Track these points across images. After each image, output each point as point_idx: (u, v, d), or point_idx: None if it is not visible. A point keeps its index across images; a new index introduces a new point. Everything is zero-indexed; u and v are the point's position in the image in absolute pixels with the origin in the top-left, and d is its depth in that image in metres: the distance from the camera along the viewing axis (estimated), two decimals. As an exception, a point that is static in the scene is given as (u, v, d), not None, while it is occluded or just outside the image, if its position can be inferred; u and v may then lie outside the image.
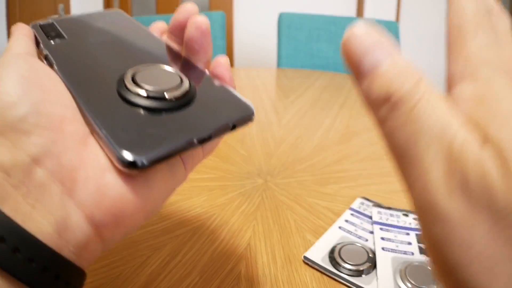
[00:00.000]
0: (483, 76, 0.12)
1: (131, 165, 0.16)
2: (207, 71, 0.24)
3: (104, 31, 0.27)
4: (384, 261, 0.33)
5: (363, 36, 0.13)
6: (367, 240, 0.36)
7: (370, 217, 0.39)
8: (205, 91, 0.22)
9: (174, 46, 0.25)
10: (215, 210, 0.41)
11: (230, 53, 2.24)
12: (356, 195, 0.45)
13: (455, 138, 0.11)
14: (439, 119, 0.12)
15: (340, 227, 0.38)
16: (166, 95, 0.20)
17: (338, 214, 0.41)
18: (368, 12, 2.16)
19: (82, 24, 0.28)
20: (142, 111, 0.19)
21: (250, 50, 2.25)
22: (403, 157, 0.12)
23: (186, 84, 0.21)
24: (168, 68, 0.22)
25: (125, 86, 0.20)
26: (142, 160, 0.16)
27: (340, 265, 0.32)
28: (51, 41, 0.24)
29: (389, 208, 0.41)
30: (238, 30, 2.23)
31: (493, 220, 0.10)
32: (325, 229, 0.38)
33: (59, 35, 0.25)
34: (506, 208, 0.10)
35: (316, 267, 0.32)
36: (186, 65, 0.24)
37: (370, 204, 0.42)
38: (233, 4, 2.18)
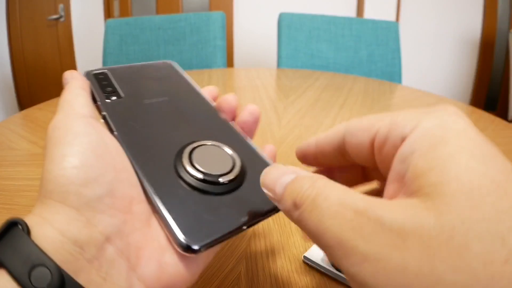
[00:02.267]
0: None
1: (188, 249, 0.18)
2: (254, 146, 0.26)
3: (158, 91, 0.27)
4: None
5: (272, 171, 0.18)
6: None
7: None
8: (254, 171, 0.23)
9: (224, 113, 0.28)
10: (215, 210, 0.41)
11: (230, 53, 2.24)
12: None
13: (356, 203, 0.14)
14: (337, 197, 0.14)
15: None
16: (221, 180, 0.21)
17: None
18: (368, 12, 2.16)
19: (135, 78, 0.28)
20: (198, 194, 0.20)
21: (250, 50, 2.25)
22: (317, 237, 0.14)
23: (238, 166, 0.22)
24: (222, 148, 0.24)
25: (183, 167, 0.21)
26: (198, 246, 0.18)
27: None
28: (108, 100, 0.25)
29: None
30: (238, 30, 2.23)
31: (422, 241, 0.12)
32: (325, 229, 0.38)
33: (114, 91, 0.25)
34: (439, 227, 0.12)
35: (316, 267, 0.32)
36: (236, 139, 0.26)
37: None
38: (233, 4, 2.18)
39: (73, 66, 2.35)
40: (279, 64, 1.29)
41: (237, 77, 1.01)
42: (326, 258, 0.33)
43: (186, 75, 0.30)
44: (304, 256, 0.33)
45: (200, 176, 0.21)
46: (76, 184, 0.17)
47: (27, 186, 0.45)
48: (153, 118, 0.24)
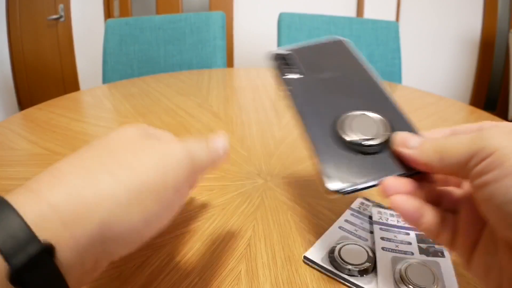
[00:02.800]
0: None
1: (330, 191, 0.24)
2: (405, 116, 0.28)
3: (332, 67, 0.33)
4: (384, 261, 0.33)
5: (401, 134, 0.25)
6: (367, 240, 0.36)
7: (370, 217, 0.39)
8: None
9: (384, 90, 0.30)
10: (215, 210, 0.41)
11: (230, 53, 2.24)
12: (356, 194, 0.45)
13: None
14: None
15: (340, 227, 0.38)
16: (366, 143, 0.25)
17: (338, 214, 0.40)
18: (368, 12, 2.16)
19: (313, 56, 0.34)
20: (348, 152, 0.25)
21: (250, 50, 2.25)
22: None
23: (388, 131, 0.26)
24: (375, 117, 0.27)
25: (340, 129, 0.26)
26: (337, 188, 0.24)
27: (340, 265, 0.32)
28: (291, 75, 0.31)
29: (390, 208, 0.41)
30: (238, 30, 2.23)
31: None
32: (325, 229, 0.38)
33: (296, 68, 0.32)
34: None
35: (316, 267, 0.32)
36: (391, 110, 0.28)
37: (370, 204, 0.42)
38: (233, 4, 2.18)
39: (73, 66, 2.35)
40: (279, 64, 1.28)
41: (237, 77, 1.01)
42: (326, 258, 0.33)
43: (356, 52, 0.34)
44: (304, 256, 0.33)
45: (350, 138, 0.26)
46: None
47: (27, 186, 0.45)
48: (325, 90, 0.30)
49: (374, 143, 0.25)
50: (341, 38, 0.36)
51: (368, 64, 0.32)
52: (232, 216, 0.40)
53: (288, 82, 0.30)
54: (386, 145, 0.25)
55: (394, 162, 0.24)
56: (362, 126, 0.26)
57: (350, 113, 0.27)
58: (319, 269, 0.32)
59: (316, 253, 0.34)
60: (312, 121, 0.27)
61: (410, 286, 0.30)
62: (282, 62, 0.32)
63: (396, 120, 0.27)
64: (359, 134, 0.25)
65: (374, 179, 0.24)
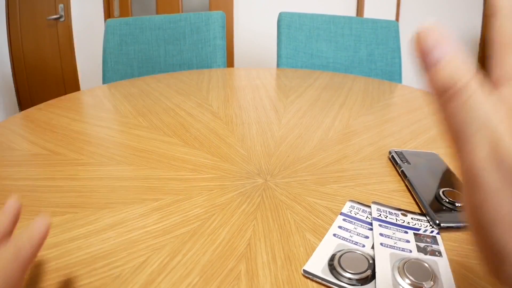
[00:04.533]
0: None
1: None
2: None
3: (427, 163, 0.51)
4: (382, 256, 0.33)
5: (432, 31, 0.16)
6: (364, 245, 0.35)
7: (363, 221, 0.39)
8: None
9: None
10: (215, 210, 0.41)
11: (230, 53, 2.24)
12: (356, 194, 0.45)
13: (495, 130, 0.15)
14: (486, 112, 0.15)
15: (334, 235, 0.37)
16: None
17: (338, 214, 0.41)
18: (368, 12, 2.16)
19: (415, 157, 0.53)
20: (447, 210, 0.41)
21: (250, 50, 2.25)
22: (457, 137, 0.16)
23: None
24: None
25: (441, 198, 0.43)
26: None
27: (341, 275, 0.31)
28: (405, 163, 0.51)
29: (388, 206, 0.41)
30: (238, 30, 2.23)
31: None
32: (325, 229, 0.38)
33: (408, 161, 0.51)
34: None
35: (317, 280, 0.31)
36: None
37: (361, 207, 0.42)
38: (233, 4, 2.18)
39: (73, 66, 2.35)
40: (279, 64, 1.28)
41: (237, 77, 1.01)
42: (326, 268, 0.33)
43: (445, 163, 0.52)
44: (304, 270, 0.32)
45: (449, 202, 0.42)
46: None
47: (27, 186, 0.45)
48: (423, 175, 0.48)
49: (461, 204, 0.38)
50: (436, 153, 0.55)
51: (448, 168, 0.51)
52: (232, 216, 0.40)
53: (400, 165, 0.50)
54: None
55: None
56: (454, 196, 0.43)
57: (446, 188, 0.45)
58: (321, 281, 0.31)
59: (315, 265, 0.33)
60: (421, 191, 0.44)
61: (407, 281, 0.30)
62: (397, 155, 0.53)
63: None
64: (454, 201, 0.42)
65: (461, 222, 0.39)
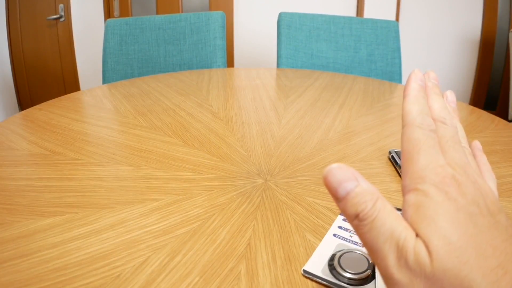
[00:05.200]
0: (421, 189, 0.19)
1: None
2: None
3: None
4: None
5: (337, 170, 0.19)
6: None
7: None
8: None
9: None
10: (215, 210, 0.41)
11: (230, 53, 2.24)
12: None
13: (400, 237, 0.18)
14: (390, 226, 0.18)
15: (334, 235, 0.37)
16: None
17: (338, 214, 0.41)
18: (368, 12, 2.16)
19: None
20: None
21: (250, 50, 2.25)
22: (372, 250, 0.19)
23: None
24: None
25: None
26: None
27: (341, 275, 0.31)
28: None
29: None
30: (238, 30, 2.23)
31: (425, 281, 0.17)
32: (325, 229, 0.38)
33: None
34: (432, 274, 0.17)
35: (317, 280, 0.31)
36: None
37: None
38: (233, 4, 2.18)
39: (73, 66, 2.35)
40: (279, 64, 1.28)
41: (237, 77, 1.01)
42: (326, 268, 0.33)
43: None
44: (304, 270, 0.32)
45: None
46: None
47: (27, 186, 0.45)
48: None
49: None
50: None
51: None
52: (232, 216, 0.40)
53: (400, 165, 0.47)
54: None
55: None
56: None
57: None
58: (321, 281, 0.31)
59: (315, 265, 0.33)
60: None
61: None
62: (397, 155, 0.53)
63: None
64: None
65: None
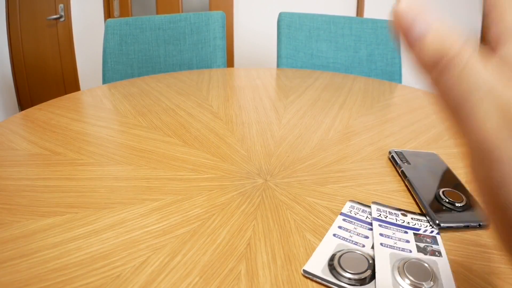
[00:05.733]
0: None
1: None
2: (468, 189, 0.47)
3: (427, 164, 0.52)
4: (382, 256, 0.33)
5: (410, 4, 0.14)
6: (364, 246, 0.35)
7: (363, 221, 0.39)
8: None
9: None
10: (215, 210, 0.41)
11: (230, 53, 2.24)
12: (356, 194, 0.45)
13: (502, 95, 0.13)
14: (487, 78, 0.13)
15: (334, 235, 0.37)
16: (461, 204, 0.42)
17: (338, 214, 0.41)
18: (368, 12, 2.16)
19: (415, 157, 0.53)
20: (447, 210, 0.41)
21: (250, 50, 2.25)
22: (458, 112, 0.14)
23: (465, 199, 0.43)
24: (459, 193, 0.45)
25: (440, 199, 0.43)
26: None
27: (341, 275, 0.31)
28: (405, 163, 0.51)
29: (388, 206, 0.41)
30: (238, 30, 2.23)
31: None
32: (325, 229, 0.38)
33: (408, 161, 0.51)
34: None
35: (317, 280, 0.31)
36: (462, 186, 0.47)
37: (361, 207, 0.42)
38: (233, 4, 2.18)
39: (73, 66, 2.35)
40: (279, 64, 1.28)
41: (237, 77, 1.01)
42: (326, 268, 0.33)
43: (444, 163, 0.52)
44: (304, 270, 0.32)
45: (449, 203, 0.42)
46: None
47: (27, 186, 0.45)
48: (423, 175, 0.48)
49: (461, 205, 0.42)
50: (434, 153, 0.55)
51: (447, 167, 0.51)
52: (232, 216, 0.40)
53: (400, 166, 0.50)
54: (468, 205, 0.42)
55: (476, 213, 0.41)
56: (454, 196, 0.43)
57: (446, 188, 0.45)
58: (321, 281, 0.31)
59: (315, 264, 0.33)
60: (421, 191, 0.44)
61: (407, 281, 0.30)
62: (397, 155, 0.53)
63: (467, 192, 0.45)
64: (454, 201, 0.42)
65: (461, 222, 0.39)
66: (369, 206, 0.41)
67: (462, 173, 0.50)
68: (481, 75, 0.13)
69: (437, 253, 0.34)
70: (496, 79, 0.13)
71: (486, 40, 0.16)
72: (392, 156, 0.53)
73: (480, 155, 0.13)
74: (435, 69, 0.14)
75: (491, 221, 0.14)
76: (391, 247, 0.34)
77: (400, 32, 0.15)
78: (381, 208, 0.41)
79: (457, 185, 0.46)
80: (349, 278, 0.31)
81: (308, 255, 0.34)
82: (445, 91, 0.14)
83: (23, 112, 0.71)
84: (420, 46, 0.14)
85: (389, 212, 0.40)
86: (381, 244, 0.34)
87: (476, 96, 0.13)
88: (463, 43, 0.14)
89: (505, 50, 0.14)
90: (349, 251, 0.34)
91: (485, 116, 0.13)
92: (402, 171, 0.49)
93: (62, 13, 2.24)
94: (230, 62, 2.26)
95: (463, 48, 0.14)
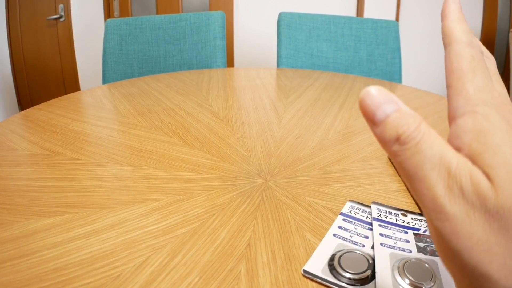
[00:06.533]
0: (481, 112, 0.16)
1: None
2: None
3: None
4: (382, 256, 0.33)
5: (375, 93, 0.17)
6: (364, 246, 0.35)
7: (363, 221, 0.39)
8: None
9: None
10: (215, 210, 0.41)
11: (230, 53, 2.24)
12: (356, 194, 0.45)
13: (451, 163, 0.15)
14: (439, 150, 0.16)
15: (334, 235, 0.37)
16: None
17: (338, 214, 0.41)
18: (368, 12, 2.16)
19: None
20: None
21: (250, 50, 2.25)
22: (413, 179, 0.16)
23: None
24: None
25: None
26: None
27: (341, 275, 0.31)
28: None
29: (388, 206, 0.41)
30: (238, 30, 2.23)
31: (486, 216, 0.15)
32: (325, 229, 0.38)
33: None
34: (496, 210, 0.14)
35: (317, 280, 0.31)
36: None
37: (361, 207, 0.42)
38: (233, 4, 2.18)
39: (73, 66, 2.35)
40: (279, 64, 1.28)
41: (237, 77, 1.01)
42: (326, 268, 0.33)
43: None
44: (304, 270, 0.32)
45: None
46: None
47: (27, 186, 0.45)
48: None
49: None
50: None
51: None
52: (232, 216, 0.40)
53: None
54: None
55: None
56: None
57: None
58: (321, 281, 0.31)
59: (315, 264, 0.33)
60: None
61: (407, 281, 0.30)
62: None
63: None
64: None
65: None
66: (369, 206, 0.41)
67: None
68: (433, 147, 0.16)
69: (437, 253, 0.34)
70: (446, 151, 0.16)
71: (450, 108, 0.18)
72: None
73: (432, 212, 0.16)
74: (395, 144, 0.16)
75: (450, 267, 0.17)
76: (391, 247, 0.34)
77: (365, 115, 0.17)
78: (381, 208, 0.41)
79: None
80: (349, 278, 0.31)
81: (308, 255, 0.34)
82: (404, 163, 0.16)
83: (23, 112, 0.71)
84: (382, 127, 0.16)
85: (389, 212, 0.40)
86: (381, 244, 0.34)
87: (428, 165, 0.16)
88: (418, 123, 0.16)
89: (460, 122, 0.17)
90: (349, 251, 0.34)
91: (435, 183, 0.15)
92: None
93: (62, 13, 2.24)
94: (230, 62, 2.26)
95: (418, 127, 0.16)
